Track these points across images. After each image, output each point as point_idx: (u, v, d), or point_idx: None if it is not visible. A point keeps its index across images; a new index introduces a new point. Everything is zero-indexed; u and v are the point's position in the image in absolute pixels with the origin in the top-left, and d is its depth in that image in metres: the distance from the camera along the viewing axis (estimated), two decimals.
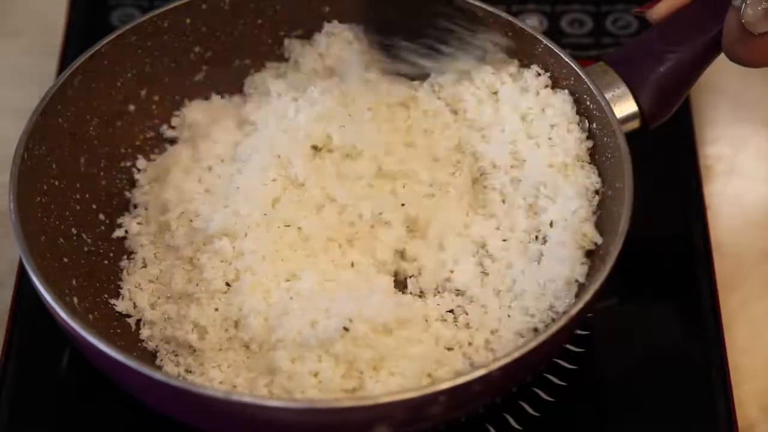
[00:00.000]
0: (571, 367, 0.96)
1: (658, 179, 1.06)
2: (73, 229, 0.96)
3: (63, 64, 1.12)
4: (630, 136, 0.94)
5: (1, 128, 1.09)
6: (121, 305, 0.96)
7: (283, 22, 1.04)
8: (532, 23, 1.18)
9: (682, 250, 1.03)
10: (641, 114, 0.96)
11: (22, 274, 0.99)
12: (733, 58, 0.93)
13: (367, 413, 0.83)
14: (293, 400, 0.86)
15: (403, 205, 0.97)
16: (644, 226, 0.92)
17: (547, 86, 0.99)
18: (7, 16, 1.22)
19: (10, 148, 0.92)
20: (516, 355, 0.83)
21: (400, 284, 0.96)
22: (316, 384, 0.88)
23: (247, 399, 0.83)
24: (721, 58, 0.95)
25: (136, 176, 1.01)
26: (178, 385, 0.84)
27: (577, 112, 0.97)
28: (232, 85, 1.05)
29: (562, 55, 0.97)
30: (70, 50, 1.13)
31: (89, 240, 0.97)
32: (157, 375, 0.83)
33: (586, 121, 0.97)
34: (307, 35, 1.05)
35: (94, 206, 0.98)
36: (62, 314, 0.86)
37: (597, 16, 1.19)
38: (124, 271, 0.97)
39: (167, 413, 0.88)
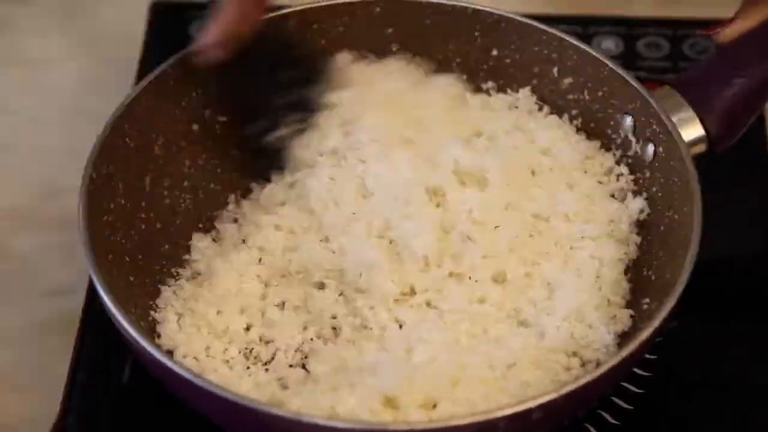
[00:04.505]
0: (638, 391, 0.95)
1: (731, 197, 1.05)
2: (137, 249, 0.96)
3: (141, 75, 1.13)
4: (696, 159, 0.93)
5: (80, 137, 1.10)
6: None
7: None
8: (607, 46, 1.18)
9: (756, 271, 1.02)
10: (708, 138, 0.95)
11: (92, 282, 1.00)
12: None
13: None
14: (358, 421, 0.85)
15: None
16: (717, 246, 0.91)
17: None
18: (87, 26, 1.24)
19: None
20: (579, 383, 0.82)
21: None
22: None
23: (320, 421, 0.82)
24: None
25: None
26: (253, 407, 0.83)
27: (642, 136, 0.97)
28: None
29: (627, 78, 0.97)
30: (149, 61, 1.14)
31: (153, 259, 0.97)
32: (239, 400, 0.83)
33: (652, 145, 0.96)
34: None
35: (159, 225, 0.98)
36: (134, 335, 0.85)
37: (674, 39, 1.18)
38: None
39: None
